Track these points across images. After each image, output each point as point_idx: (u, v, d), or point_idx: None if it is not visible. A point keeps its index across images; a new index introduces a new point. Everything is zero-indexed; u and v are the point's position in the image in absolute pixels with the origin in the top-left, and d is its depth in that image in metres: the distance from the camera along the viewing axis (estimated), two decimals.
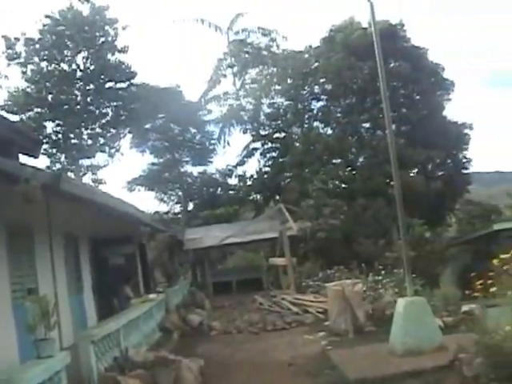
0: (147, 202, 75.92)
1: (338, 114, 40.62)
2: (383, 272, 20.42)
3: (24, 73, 40.99)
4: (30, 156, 15.15)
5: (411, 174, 37.18)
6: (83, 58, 41.74)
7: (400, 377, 9.64)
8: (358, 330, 14.86)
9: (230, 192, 44.90)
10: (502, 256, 6.52)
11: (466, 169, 41.13)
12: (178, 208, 47.30)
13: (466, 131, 40.21)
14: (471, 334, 8.90)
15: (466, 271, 23.23)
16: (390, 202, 25.34)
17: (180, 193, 46.27)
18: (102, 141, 42.61)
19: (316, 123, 41.60)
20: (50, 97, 41.09)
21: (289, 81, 41.16)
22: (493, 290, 6.58)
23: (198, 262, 35.87)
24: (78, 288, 15.71)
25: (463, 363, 8.40)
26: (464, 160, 40.73)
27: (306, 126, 41.17)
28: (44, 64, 41.33)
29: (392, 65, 38.16)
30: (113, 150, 43.15)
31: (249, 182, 43.24)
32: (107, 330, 10.43)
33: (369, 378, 9.88)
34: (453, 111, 66.52)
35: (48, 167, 39.22)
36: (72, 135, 41.44)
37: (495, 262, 6.63)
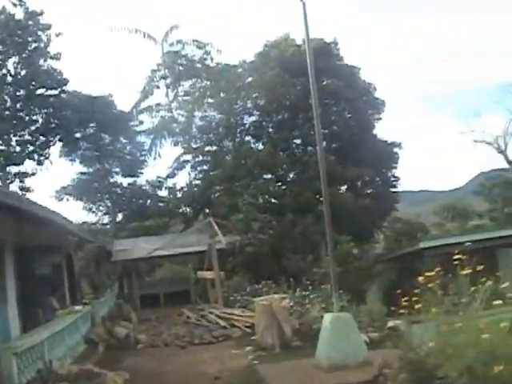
0: (75, 212, 74.43)
1: (270, 130, 40.80)
2: (311, 287, 20.51)
3: None
4: None
5: (341, 191, 37.61)
6: (14, 62, 40.75)
7: None
8: (284, 344, 14.86)
9: (160, 204, 44.43)
10: (427, 273, 6.60)
11: (395, 187, 41.89)
12: (106, 219, 46.56)
13: (396, 150, 40.99)
14: (396, 349, 8.99)
15: (392, 288, 23.55)
16: (319, 217, 25.57)
17: (109, 203, 45.57)
18: (31, 148, 41.60)
19: (248, 138, 41.72)
20: None
21: (222, 94, 41.14)
22: (417, 306, 6.65)
23: (126, 274, 35.38)
24: (2, 299, 15.24)
25: (387, 378, 8.47)
26: (393, 178, 41.48)
27: (237, 140, 41.22)
28: None
29: (325, 82, 38.61)
30: (42, 158, 42.18)
31: (179, 195, 42.93)
32: (31, 342, 10.15)
33: None
34: (384, 130, 67.69)
35: None
36: (0, 141, 40.43)
37: (420, 279, 6.71)
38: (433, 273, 6.63)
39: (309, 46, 13.21)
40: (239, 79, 40.72)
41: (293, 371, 11.56)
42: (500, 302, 5.91)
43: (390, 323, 14.83)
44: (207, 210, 39.63)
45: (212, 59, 43.21)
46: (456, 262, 6.39)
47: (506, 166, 59.00)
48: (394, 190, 41.92)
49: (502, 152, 58.21)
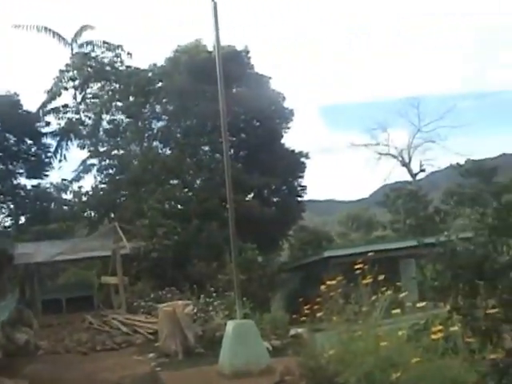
0: None
1: (178, 135, 40.63)
2: (215, 294, 20.52)
3: None
4: None
5: (247, 199, 37.78)
6: None
7: None
8: (187, 351, 14.81)
9: (65, 207, 43.51)
10: (329, 282, 6.72)
11: (301, 196, 42.40)
12: (8, 221, 45.26)
13: (302, 159, 41.51)
14: (298, 357, 9.10)
15: (296, 296, 23.79)
16: (225, 224, 25.54)
17: (11, 205, 44.32)
18: None
19: (155, 143, 41.35)
20: None
21: (131, 98, 40.67)
22: (319, 314, 6.76)
23: (28, 278, 34.41)
24: None
25: None
26: (299, 187, 41.99)
27: (145, 144, 40.83)
28: None
29: (235, 90, 38.79)
30: None
31: (84, 199, 42.10)
32: None
33: None
34: (292, 139, 68.56)
35: None
36: None
37: (322, 287, 6.82)
38: (334, 281, 6.75)
39: (218, 48, 13.26)
40: (149, 83, 40.32)
41: (195, 378, 11.53)
42: (398, 310, 6.07)
43: (293, 331, 15.01)
44: (112, 215, 39.03)
45: (122, 62, 42.63)
46: (358, 272, 6.52)
47: (409, 178, 60.85)
48: (300, 199, 42.42)
49: (406, 165, 60.01)
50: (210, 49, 38.63)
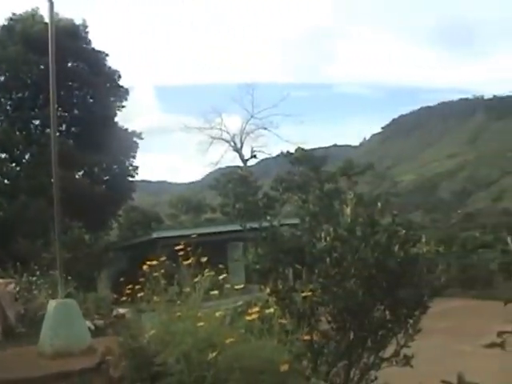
0: None
1: (9, 107, 39.01)
2: (38, 273, 19.95)
3: None
4: None
5: (77, 176, 37.01)
6: None
7: (47, 379, 9.45)
8: (8, 331, 14.33)
9: None
10: (150, 262, 6.75)
11: (132, 176, 42.09)
12: None
13: (135, 139, 41.20)
14: (120, 337, 9.07)
15: (123, 276, 23.62)
16: (53, 201, 24.97)
17: None
18: None
19: None
20: None
21: None
22: (140, 295, 6.79)
23: None
24: None
25: (110, 365, 8.50)
26: (131, 167, 41.65)
27: None
28: None
29: (70, 64, 37.76)
30: None
31: None
32: None
33: (11, 379, 9.55)
34: (125, 118, 67.74)
35: None
36: None
37: (145, 267, 6.84)
38: (157, 262, 6.79)
39: (51, 18, 12.74)
40: None
41: (16, 358, 11.15)
42: (216, 292, 6.21)
43: (117, 311, 14.92)
44: None
45: None
46: (181, 253, 6.59)
47: (241, 163, 61.96)
48: (131, 178, 42.10)
49: (238, 150, 61.08)
50: (47, 20, 37.27)
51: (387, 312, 8.33)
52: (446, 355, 17.44)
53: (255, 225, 9.15)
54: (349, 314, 7.90)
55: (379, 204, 8.31)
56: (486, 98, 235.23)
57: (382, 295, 8.07)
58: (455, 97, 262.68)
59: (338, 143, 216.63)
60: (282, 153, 64.45)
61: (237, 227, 10.42)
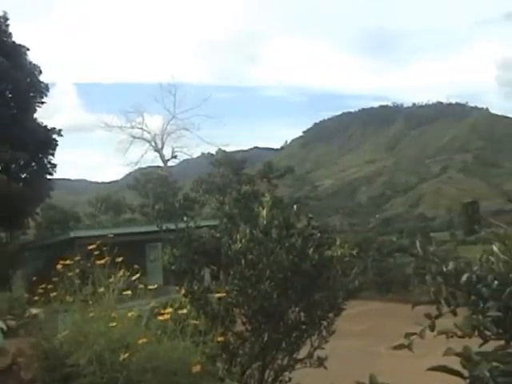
0: None
1: None
2: None
3: None
4: None
5: None
6: None
7: None
8: None
9: None
10: (64, 262, 6.66)
11: (51, 174, 41.20)
12: None
13: (55, 136, 40.38)
14: (32, 338, 8.90)
15: (39, 275, 23.19)
16: None
17: None
18: None
19: None
20: None
21: None
22: (54, 294, 6.68)
23: None
24: None
25: (21, 367, 8.34)
26: (49, 165, 40.77)
27: None
28: None
29: None
30: None
31: None
32: None
33: None
34: (45, 115, 66.54)
35: None
36: None
37: (59, 267, 6.75)
38: (72, 261, 6.70)
39: None
40: None
41: None
42: (129, 292, 6.18)
43: (31, 311, 14.62)
44: None
45: None
46: (96, 253, 6.52)
47: (161, 164, 61.55)
48: (50, 176, 41.22)
49: (159, 150, 60.66)
50: None
51: (302, 314, 8.45)
52: (361, 357, 17.77)
53: (173, 226, 9.13)
54: (263, 315, 7.97)
55: (295, 207, 8.40)
56: (405, 106, 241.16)
57: (296, 297, 8.18)
58: (376, 104, 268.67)
59: (260, 146, 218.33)
60: (202, 154, 64.44)
61: (156, 228, 10.38)
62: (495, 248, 3.53)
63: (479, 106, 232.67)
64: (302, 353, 8.90)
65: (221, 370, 7.57)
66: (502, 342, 3.14)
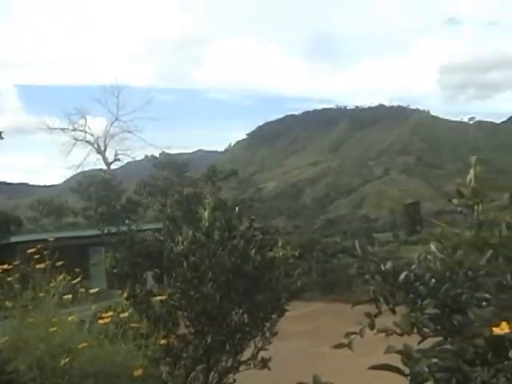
0: None
1: None
2: None
3: None
4: None
5: None
6: None
7: None
8: None
9: None
10: (3, 266, 6.55)
11: None
12: None
13: None
14: None
15: None
16: None
17: None
18: None
19: None
20: None
21: None
22: None
23: None
24: None
25: None
26: None
27: None
28: None
29: None
30: None
31: None
32: None
33: None
34: None
35: None
36: None
37: None
38: (11, 266, 6.59)
39: None
40: None
41: None
42: (70, 296, 6.12)
43: None
44: None
45: None
46: (37, 257, 6.44)
47: (104, 166, 60.89)
48: None
49: (101, 153, 59.99)
50: None
51: (245, 316, 8.48)
52: (305, 357, 17.88)
53: (115, 229, 9.08)
54: (207, 318, 7.99)
55: (237, 209, 8.43)
56: (348, 108, 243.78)
57: (239, 299, 8.21)
58: (320, 106, 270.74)
59: (204, 148, 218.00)
60: (146, 157, 64.05)
61: (98, 231, 10.29)
62: (433, 247, 3.62)
63: (420, 108, 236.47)
64: (246, 354, 8.94)
65: (164, 373, 7.56)
66: (440, 339, 3.21)
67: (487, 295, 3.27)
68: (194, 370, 8.32)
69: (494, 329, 2.61)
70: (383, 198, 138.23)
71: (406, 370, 2.89)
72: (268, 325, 8.77)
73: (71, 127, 62.02)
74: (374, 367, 3.04)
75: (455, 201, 3.74)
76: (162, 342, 6.25)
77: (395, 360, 2.92)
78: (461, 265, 3.42)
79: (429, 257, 3.61)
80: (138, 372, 5.03)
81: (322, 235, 57.86)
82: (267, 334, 8.82)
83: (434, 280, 3.40)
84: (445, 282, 3.34)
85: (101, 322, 5.57)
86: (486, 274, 3.40)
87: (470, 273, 3.41)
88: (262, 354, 8.99)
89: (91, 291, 6.16)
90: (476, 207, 3.64)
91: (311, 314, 26.53)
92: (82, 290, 6.27)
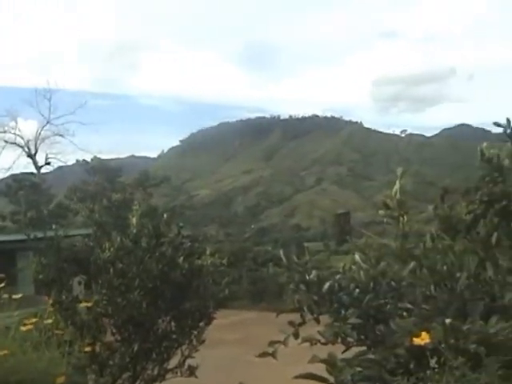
0: None
1: None
2: None
3: None
4: None
5: None
6: None
7: None
8: None
9: None
10: None
11: None
12: None
13: None
14: None
15: None
16: None
17: None
18: None
19: None
20: None
21: None
22: None
23: None
24: None
25: None
26: None
27: None
28: None
29: None
30: None
31: None
32: None
33: None
34: None
35: None
36: None
37: None
38: None
39: None
40: None
41: None
42: None
43: None
44: None
45: None
46: None
47: (35, 170, 59.62)
48: None
49: (32, 156, 58.73)
50: None
51: (172, 323, 8.43)
52: (233, 365, 17.86)
53: (42, 234, 8.91)
54: (133, 325, 7.91)
55: (165, 215, 8.38)
56: (282, 118, 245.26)
57: (166, 306, 8.16)
58: (254, 115, 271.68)
59: (137, 154, 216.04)
60: (78, 161, 63.03)
61: (26, 236, 10.09)
62: (357, 257, 3.66)
63: (353, 120, 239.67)
64: (173, 362, 8.88)
65: (91, 380, 7.44)
66: (364, 348, 3.24)
67: (410, 306, 3.32)
68: (120, 378, 8.23)
69: (414, 339, 2.65)
70: (315, 207, 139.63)
71: (331, 379, 2.91)
72: (195, 332, 8.74)
73: (1, 129, 60.52)
74: (299, 376, 3.05)
75: (381, 212, 3.79)
76: (87, 349, 6.15)
77: (322, 369, 2.93)
78: (384, 275, 3.47)
79: (353, 267, 3.65)
80: (61, 380, 4.92)
81: (253, 243, 57.96)
82: (194, 342, 8.79)
83: (357, 290, 3.44)
84: (368, 292, 3.38)
85: (23, 328, 5.43)
86: (410, 284, 3.46)
87: (393, 283, 3.46)
88: (189, 361, 8.94)
89: (14, 297, 6.00)
90: (401, 219, 3.70)
91: (242, 323, 26.54)
92: (6, 295, 6.11)
